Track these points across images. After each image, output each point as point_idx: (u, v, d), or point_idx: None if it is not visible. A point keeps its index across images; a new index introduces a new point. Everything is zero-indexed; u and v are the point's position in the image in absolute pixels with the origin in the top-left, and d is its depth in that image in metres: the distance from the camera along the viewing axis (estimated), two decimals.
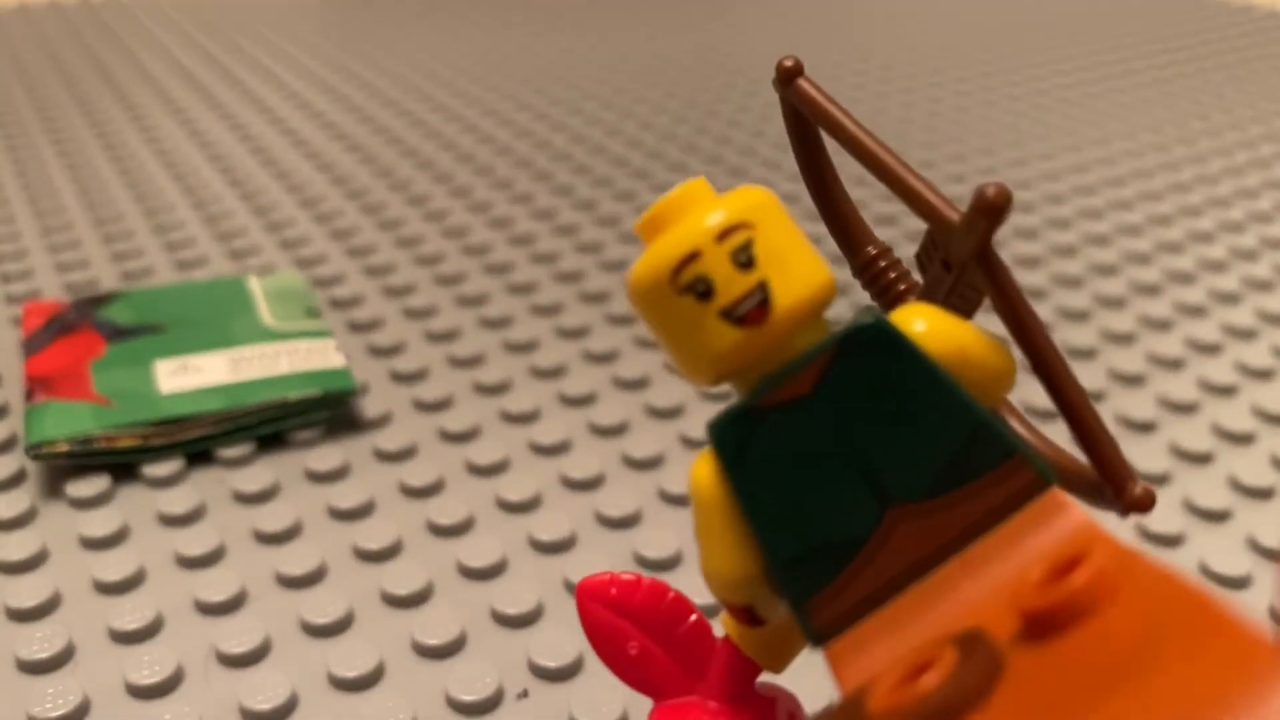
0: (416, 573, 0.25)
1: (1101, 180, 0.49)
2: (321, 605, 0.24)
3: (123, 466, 0.29)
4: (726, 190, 0.14)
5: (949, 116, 0.58)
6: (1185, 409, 0.32)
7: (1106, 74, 0.66)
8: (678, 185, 0.14)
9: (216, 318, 0.34)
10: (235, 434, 0.30)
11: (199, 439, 0.30)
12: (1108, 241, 0.43)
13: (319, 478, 0.29)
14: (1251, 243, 0.43)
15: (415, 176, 0.50)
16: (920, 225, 0.45)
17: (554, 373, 0.34)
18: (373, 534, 0.27)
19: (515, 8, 0.83)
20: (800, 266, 0.13)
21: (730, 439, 0.14)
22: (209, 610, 0.25)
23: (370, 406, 0.32)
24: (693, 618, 0.17)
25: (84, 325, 0.34)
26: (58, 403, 0.30)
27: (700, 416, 0.32)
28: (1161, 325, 0.37)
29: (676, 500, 0.28)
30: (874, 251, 0.17)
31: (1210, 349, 0.35)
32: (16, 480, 0.29)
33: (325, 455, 0.29)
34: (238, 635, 0.23)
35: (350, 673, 0.22)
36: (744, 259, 0.13)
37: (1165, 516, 0.27)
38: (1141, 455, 0.30)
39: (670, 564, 0.26)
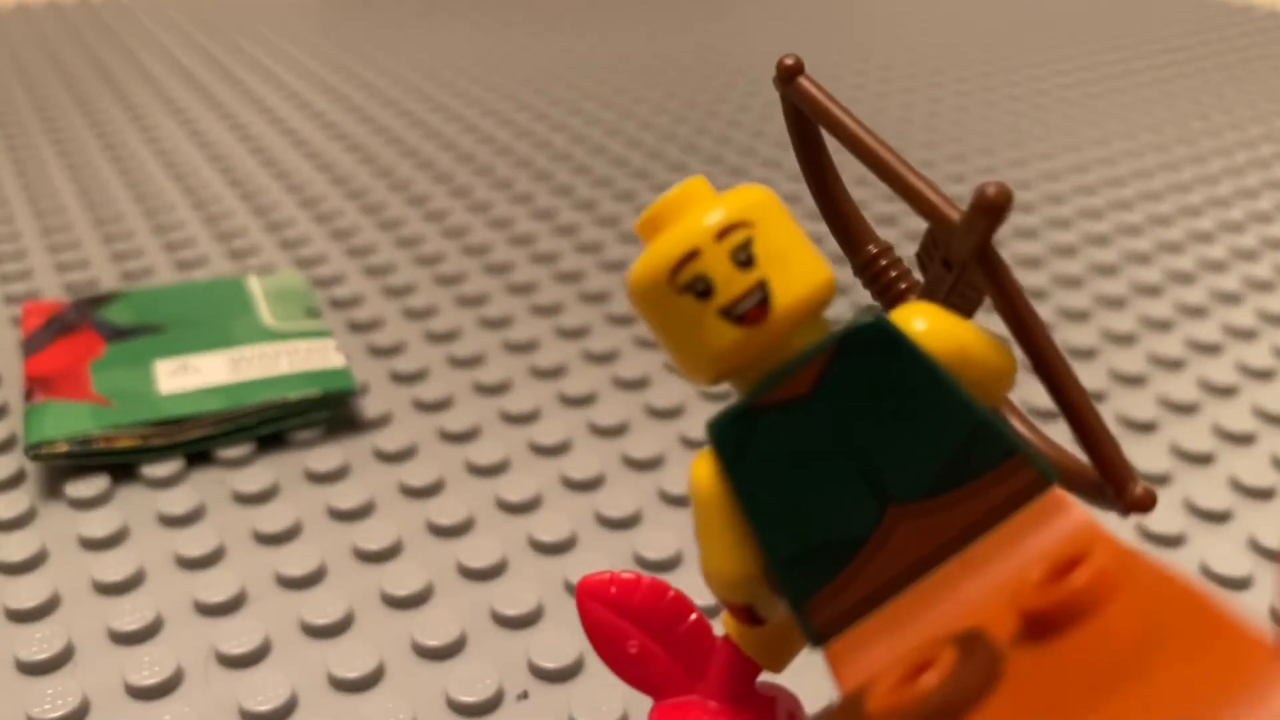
0: (416, 573, 0.25)
1: (1101, 180, 0.49)
2: (321, 606, 0.24)
3: (122, 467, 0.29)
4: (726, 189, 0.14)
5: (949, 116, 0.58)
6: (1186, 409, 0.32)
7: (1106, 74, 0.66)
8: (677, 184, 0.14)
9: (216, 318, 0.34)
10: (235, 434, 0.30)
11: (199, 439, 0.30)
12: (1108, 241, 0.43)
13: (319, 478, 0.29)
14: (1252, 243, 0.43)
15: (415, 176, 0.50)
16: (921, 225, 0.45)
17: (554, 373, 0.34)
18: (373, 534, 0.26)
19: (515, 8, 0.83)
20: (800, 265, 0.13)
21: (730, 438, 0.14)
22: (209, 611, 0.25)
23: (370, 407, 0.32)
24: (693, 617, 0.17)
25: (83, 325, 0.34)
26: (57, 403, 0.30)
27: (700, 416, 0.32)
28: (1162, 325, 0.37)
29: (677, 501, 0.28)
30: (875, 250, 0.17)
31: (1211, 349, 0.35)
32: (16, 481, 0.29)
33: (325, 455, 0.29)
34: (237, 636, 0.23)
35: (350, 673, 0.22)
36: (743, 258, 0.13)
37: (1166, 517, 0.27)
38: (1142, 456, 0.30)
39: (670, 564, 0.26)
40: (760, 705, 0.17)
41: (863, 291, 0.32)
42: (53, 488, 0.29)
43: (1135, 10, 0.81)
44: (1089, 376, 0.34)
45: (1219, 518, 0.27)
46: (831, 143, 0.16)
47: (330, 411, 0.31)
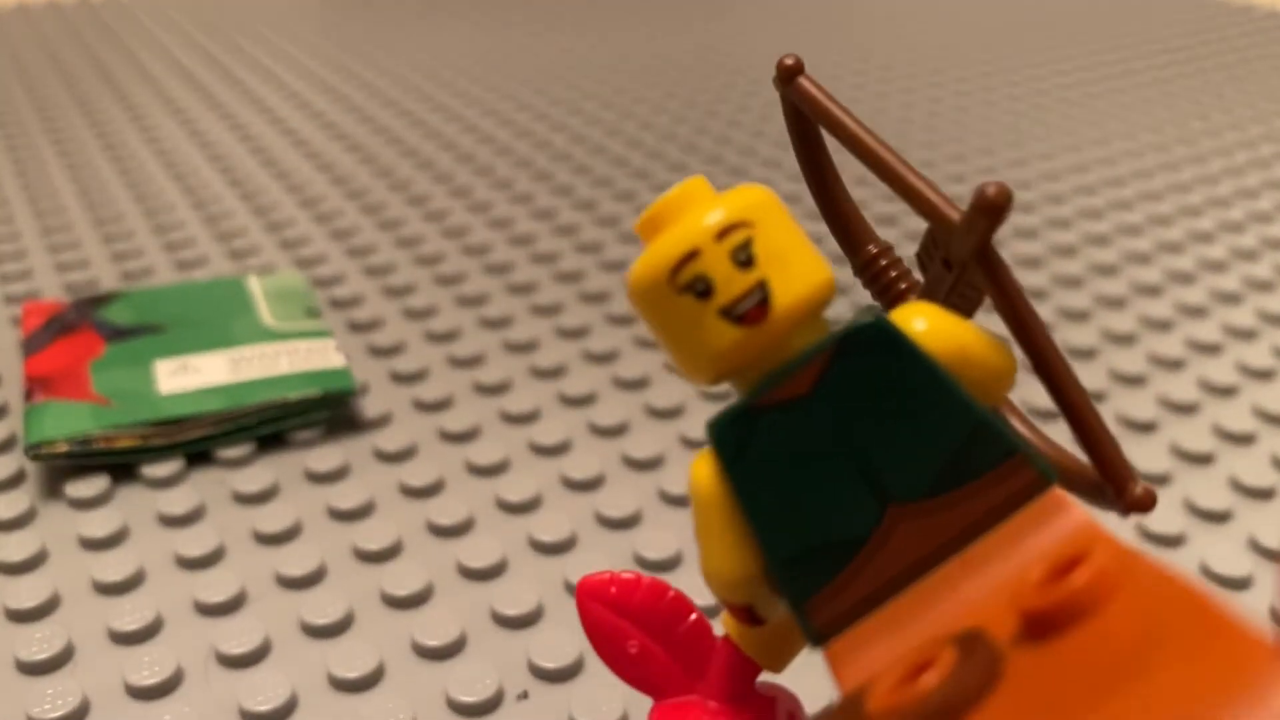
0: (416, 573, 0.25)
1: (1101, 180, 0.49)
2: (321, 606, 0.24)
3: (122, 467, 0.29)
4: (727, 189, 0.14)
5: (949, 116, 0.58)
6: (1186, 409, 0.32)
7: (1106, 74, 0.66)
8: (677, 184, 0.14)
9: (216, 318, 0.34)
10: (235, 434, 0.30)
11: (199, 439, 0.30)
12: (1108, 241, 0.43)
13: (319, 478, 0.29)
14: (1252, 243, 0.43)
15: (415, 176, 0.50)
16: (921, 225, 0.45)
17: (554, 373, 0.34)
18: (373, 534, 0.26)
19: (515, 8, 0.83)
20: (800, 265, 0.13)
21: (730, 438, 0.14)
22: (209, 611, 0.25)
23: (370, 407, 0.32)
24: (693, 617, 0.17)
25: (83, 325, 0.34)
26: (57, 403, 0.30)
27: (700, 416, 0.32)
28: (1162, 325, 0.37)
29: (677, 501, 0.28)
30: (875, 250, 0.17)
31: (1211, 349, 0.35)
32: (16, 481, 0.29)
33: (325, 455, 0.29)
34: (237, 636, 0.23)
35: (350, 673, 0.22)
36: (743, 258, 0.13)
37: (1166, 517, 0.27)
38: (1142, 455, 0.30)
39: (671, 564, 0.26)
40: (760, 705, 0.17)
41: (863, 291, 0.32)
42: (53, 488, 0.29)
43: (1135, 10, 0.81)
44: (1089, 376, 0.34)
45: (1219, 518, 0.27)
46: (831, 143, 0.16)
47: (330, 411, 0.31)
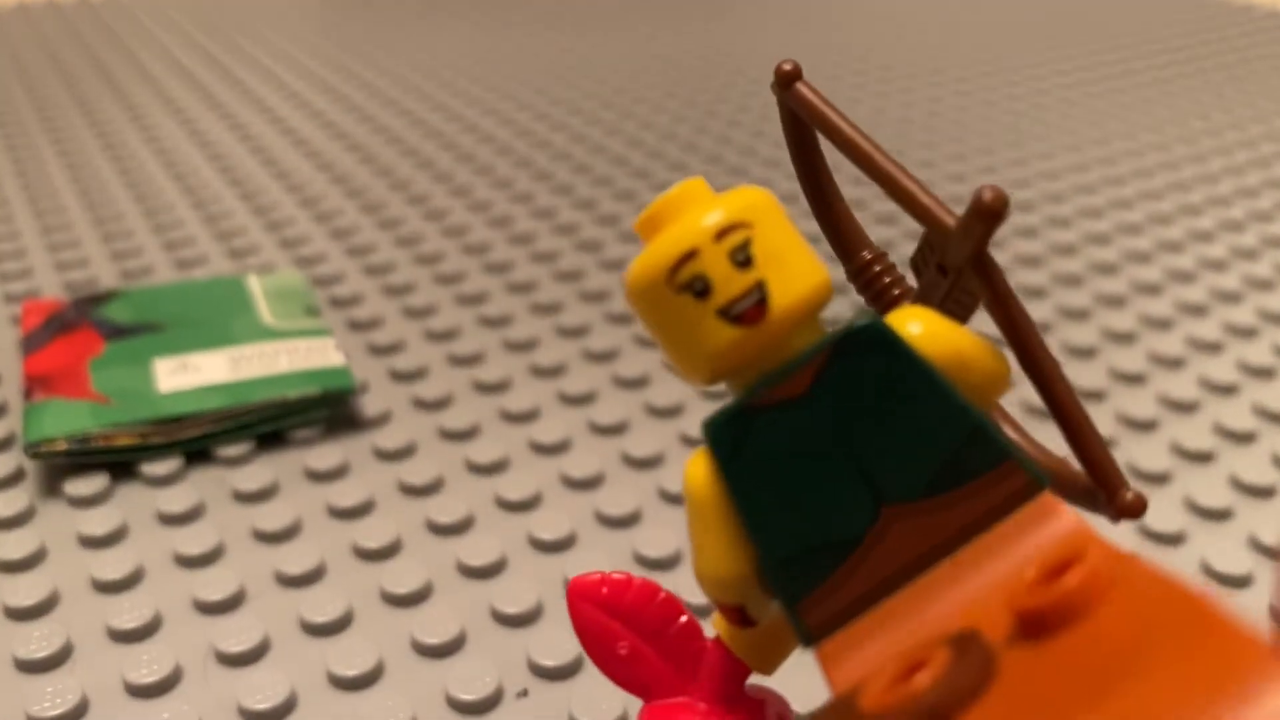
0: (416, 571, 0.25)
1: (1102, 179, 0.49)
2: (321, 604, 0.24)
3: (121, 465, 0.29)
4: (727, 189, 0.14)
5: (949, 116, 0.58)
6: (1186, 408, 0.32)
7: (1106, 74, 0.66)
8: (676, 184, 0.14)
9: (216, 316, 0.34)
10: (234, 432, 0.30)
11: (198, 437, 0.30)
12: (1108, 240, 0.43)
13: (318, 476, 0.29)
14: (1252, 241, 0.43)
15: (415, 176, 0.50)
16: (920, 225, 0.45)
17: (554, 371, 0.34)
18: (372, 533, 0.27)
19: (515, 8, 0.83)
20: (798, 266, 0.13)
21: (726, 438, 0.14)
22: (208, 609, 0.25)
23: (370, 405, 0.32)
24: (683, 618, 0.17)
25: (83, 324, 0.34)
26: (56, 401, 0.30)
27: (700, 415, 0.32)
28: (1162, 324, 0.37)
29: (676, 499, 0.28)
30: (869, 256, 0.17)
31: (1211, 348, 0.35)
32: (15, 479, 0.29)
33: (324, 454, 0.29)
34: (237, 634, 0.23)
35: (349, 672, 0.22)
36: (742, 258, 0.13)
37: (1166, 515, 0.27)
38: (1142, 454, 0.30)
39: (670, 563, 0.26)
40: (750, 707, 0.17)
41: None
42: (52, 486, 0.29)
43: (1135, 10, 0.81)
44: (1089, 375, 0.34)
45: (1219, 516, 0.27)
46: (828, 148, 0.16)
47: (330, 410, 0.31)
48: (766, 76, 0.65)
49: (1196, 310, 0.38)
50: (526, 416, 0.32)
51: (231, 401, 0.30)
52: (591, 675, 0.23)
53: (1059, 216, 0.45)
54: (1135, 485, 0.30)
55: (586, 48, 0.72)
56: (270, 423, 0.30)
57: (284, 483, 0.29)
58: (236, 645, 0.23)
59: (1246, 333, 0.36)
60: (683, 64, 0.68)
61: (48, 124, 0.57)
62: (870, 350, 0.13)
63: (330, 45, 0.73)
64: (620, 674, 0.17)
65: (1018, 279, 0.40)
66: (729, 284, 0.13)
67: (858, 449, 0.13)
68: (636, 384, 0.33)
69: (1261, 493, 0.28)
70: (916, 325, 0.14)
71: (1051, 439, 0.27)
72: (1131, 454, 0.30)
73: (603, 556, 0.26)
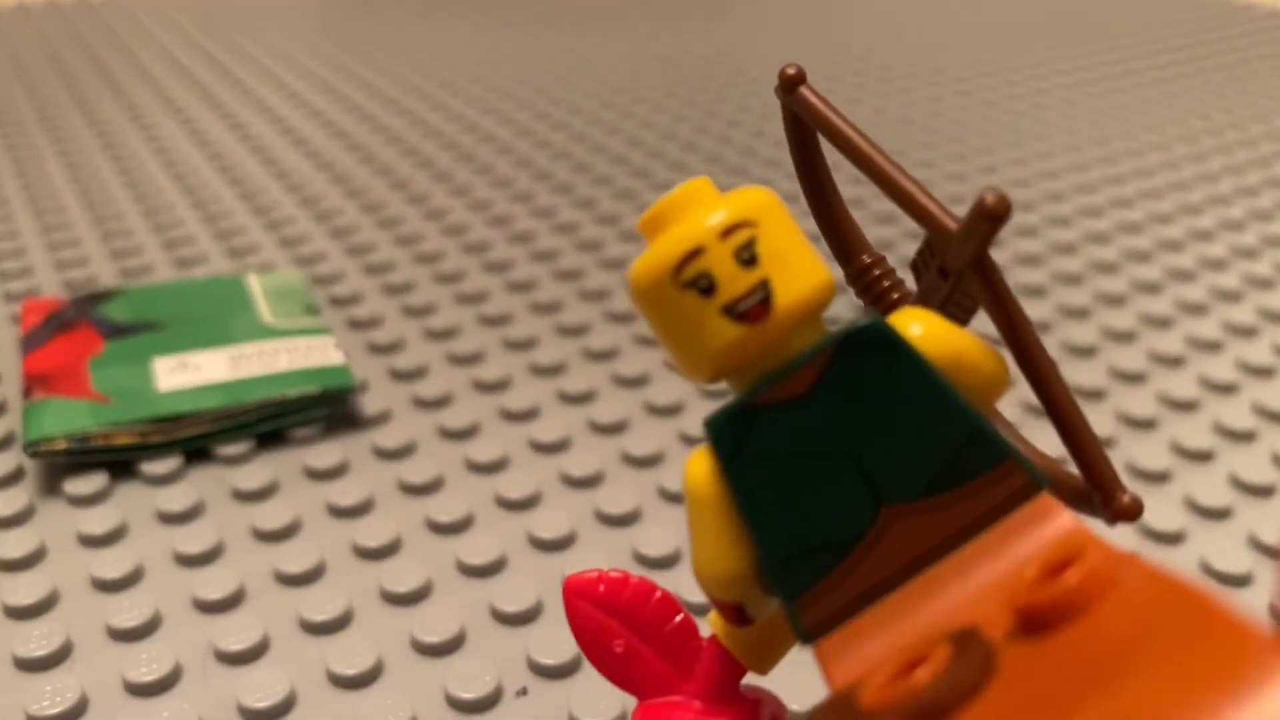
0: (416, 570, 0.25)
1: (1102, 178, 0.49)
2: (320, 603, 0.24)
3: (121, 464, 0.29)
4: (728, 189, 0.14)
5: (949, 116, 0.58)
6: (1186, 407, 0.32)
7: (1106, 74, 0.66)
8: (680, 184, 0.14)
9: (215, 315, 0.34)
10: (234, 431, 0.30)
11: (198, 436, 0.30)
12: (1108, 239, 0.43)
13: (318, 475, 0.29)
14: (1252, 240, 0.43)
15: (415, 175, 0.50)
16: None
17: (553, 370, 0.34)
18: (372, 531, 0.26)
19: (515, 8, 0.83)
20: (802, 266, 0.14)
21: (727, 436, 0.14)
22: (207, 608, 0.25)
23: (369, 404, 0.32)
24: (679, 617, 0.17)
25: (82, 323, 0.34)
26: (56, 400, 0.30)
27: (700, 414, 0.32)
28: (1162, 323, 0.37)
29: (676, 498, 0.28)
30: (868, 260, 0.17)
31: (1211, 346, 0.35)
32: (14, 478, 0.29)
33: (324, 453, 0.29)
34: (236, 633, 0.23)
35: (349, 670, 0.22)
36: (746, 257, 0.13)
37: (1166, 514, 0.27)
38: (1142, 453, 0.30)
39: (669, 562, 0.26)
40: (745, 706, 0.17)
41: None
42: (51, 485, 0.29)
43: (1135, 10, 0.81)
44: (1089, 374, 0.34)
45: (1219, 515, 0.27)
46: (830, 153, 0.16)
47: (329, 409, 0.31)
48: (766, 76, 0.65)
49: (1196, 309, 0.38)
50: (526, 415, 0.32)
51: (231, 400, 0.30)
52: (591, 674, 0.23)
53: (1059, 215, 0.45)
54: (1135, 484, 0.30)
55: (586, 48, 0.72)
56: (270, 421, 0.30)
57: (284, 482, 0.29)
58: (236, 644, 0.23)
59: (1246, 332, 0.36)
60: (683, 64, 0.68)
61: (48, 124, 0.57)
62: (872, 350, 0.13)
63: (330, 45, 0.73)
64: (615, 672, 0.17)
65: (1018, 278, 0.40)
66: (734, 282, 0.13)
67: (858, 449, 0.13)
68: (636, 383, 0.33)
69: (1261, 492, 0.28)
70: (917, 326, 0.14)
71: (1048, 441, 0.27)
72: (1131, 453, 0.30)
73: (602, 555, 0.26)
